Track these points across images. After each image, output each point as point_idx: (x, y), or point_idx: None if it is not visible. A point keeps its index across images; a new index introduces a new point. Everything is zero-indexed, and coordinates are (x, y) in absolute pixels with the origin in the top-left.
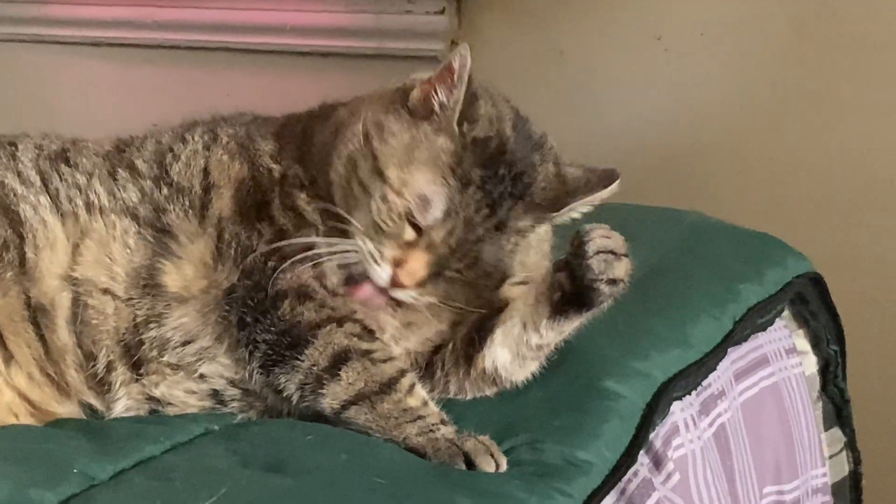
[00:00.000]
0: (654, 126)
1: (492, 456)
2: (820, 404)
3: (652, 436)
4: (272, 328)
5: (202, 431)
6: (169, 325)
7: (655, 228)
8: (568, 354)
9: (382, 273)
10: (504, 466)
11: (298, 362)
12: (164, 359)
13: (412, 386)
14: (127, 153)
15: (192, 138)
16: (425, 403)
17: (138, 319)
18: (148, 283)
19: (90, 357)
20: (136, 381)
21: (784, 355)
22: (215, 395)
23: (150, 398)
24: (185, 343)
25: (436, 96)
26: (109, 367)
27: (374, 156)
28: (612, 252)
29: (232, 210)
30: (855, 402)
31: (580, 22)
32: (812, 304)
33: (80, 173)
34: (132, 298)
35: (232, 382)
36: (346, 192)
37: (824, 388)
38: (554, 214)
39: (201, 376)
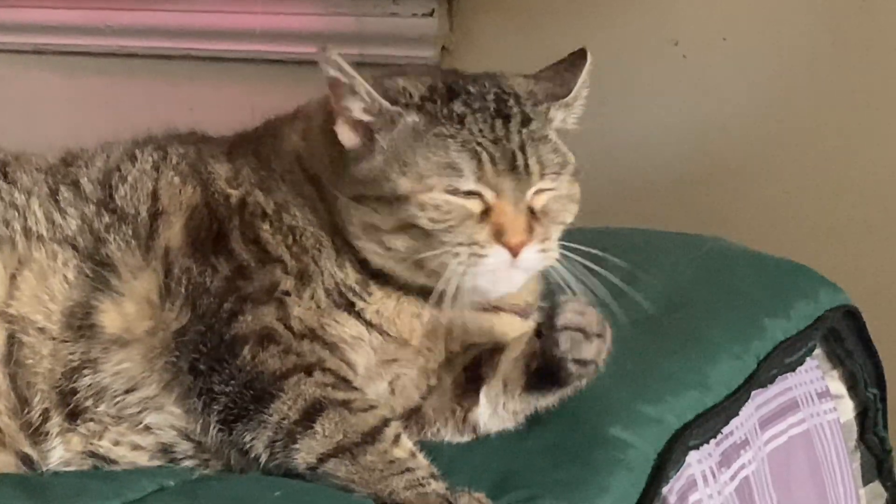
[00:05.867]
0: (670, 142)
1: None
2: (857, 455)
3: (665, 490)
4: (232, 380)
5: (156, 488)
6: (107, 371)
7: (670, 256)
8: (570, 398)
9: (499, 254)
10: None
11: (266, 416)
12: (101, 409)
13: (398, 436)
14: (73, 168)
15: (142, 156)
16: (413, 455)
17: (73, 364)
18: (83, 323)
19: (24, 402)
20: (74, 431)
21: (816, 399)
22: (165, 451)
23: (93, 455)
24: (127, 391)
25: (352, 114)
26: (45, 416)
27: (378, 199)
28: (582, 330)
29: (182, 241)
30: None
31: (586, 25)
32: (847, 341)
33: (20, 191)
34: (66, 341)
35: (184, 435)
36: (409, 260)
37: (862, 436)
38: (567, 98)
39: (147, 428)
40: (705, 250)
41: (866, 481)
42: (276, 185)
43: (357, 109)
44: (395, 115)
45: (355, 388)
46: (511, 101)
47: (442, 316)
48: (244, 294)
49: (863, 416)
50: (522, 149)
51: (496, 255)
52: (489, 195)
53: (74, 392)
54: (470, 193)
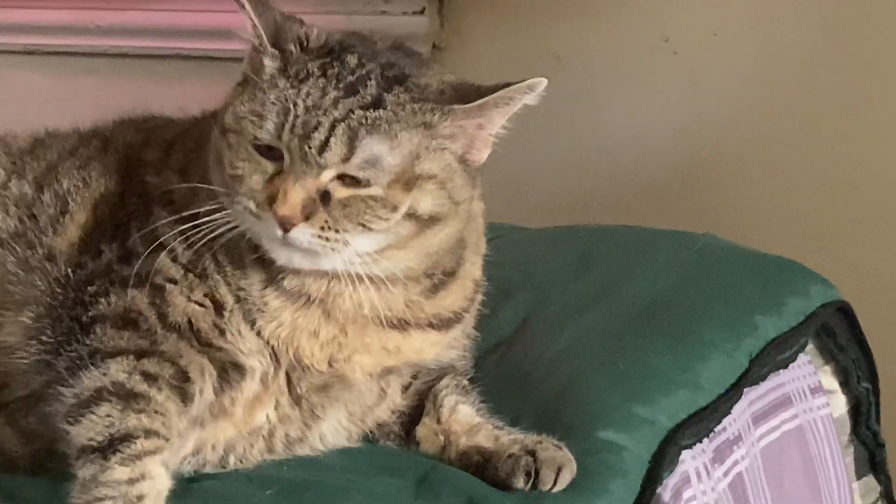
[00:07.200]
0: (661, 139)
1: None
2: (851, 449)
3: (660, 488)
4: (76, 358)
5: None
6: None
7: (662, 254)
8: (561, 402)
9: (268, 221)
10: None
11: (67, 388)
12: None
13: (141, 454)
14: (32, 157)
15: (81, 150)
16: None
17: None
18: None
19: None
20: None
21: (809, 395)
22: None
23: None
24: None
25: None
26: None
27: (223, 126)
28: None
29: (77, 237)
30: (891, 446)
31: (578, 22)
32: (840, 336)
33: None
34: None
35: None
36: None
37: (855, 430)
38: (466, 106)
39: None
40: (697, 248)
41: (859, 475)
42: (198, 168)
43: (248, 39)
44: (266, 56)
45: (178, 389)
46: (374, 83)
47: (341, 335)
48: (116, 278)
49: (855, 410)
50: (333, 127)
51: (266, 221)
52: (287, 160)
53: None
54: (271, 151)
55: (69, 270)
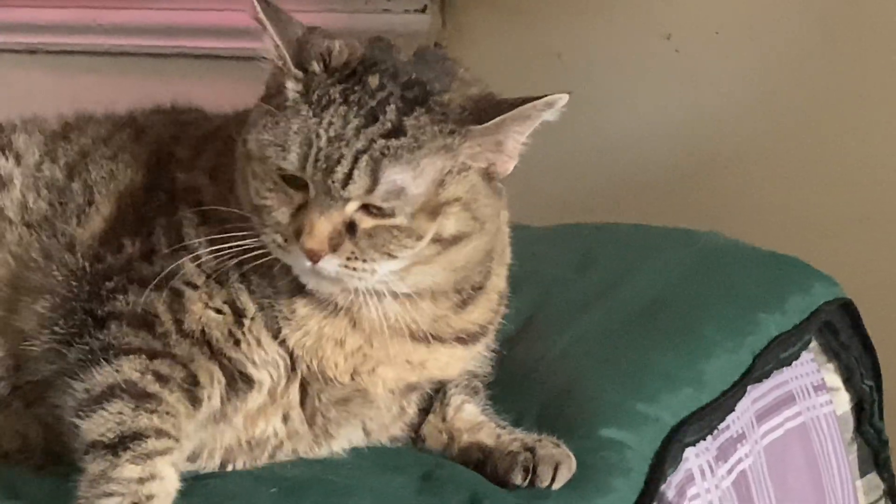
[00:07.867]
0: (663, 136)
1: None
2: (854, 447)
3: (663, 486)
4: (88, 353)
5: None
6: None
7: (664, 252)
8: (564, 400)
9: (297, 254)
10: None
11: (77, 381)
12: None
13: (152, 454)
14: (65, 141)
15: (115, 137)
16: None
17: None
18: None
19: None
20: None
21: (812, 392)
22: None
23: None
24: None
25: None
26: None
27: (243, 143)
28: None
29: (100, 228)
30: (894, 443)
31: (580, 20)
32: (843, 334)
33: (10, 155)
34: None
35: None
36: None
37: (859, 428)
38: (482, 126)
39: None
40: (699, 245)
41: (863, 473)
42: (227, 171)
43: (269, 60)
44: (289, 79)
45: (187, 390)
46: (393, 107)
47: (367, 345)
48: (135, 276)
49: (859, 408)
50: (356, 159)
51: (295, 253)
52: (312, 192)
53: (17, 387)
54: (297, 179)
55: (86, 263)
